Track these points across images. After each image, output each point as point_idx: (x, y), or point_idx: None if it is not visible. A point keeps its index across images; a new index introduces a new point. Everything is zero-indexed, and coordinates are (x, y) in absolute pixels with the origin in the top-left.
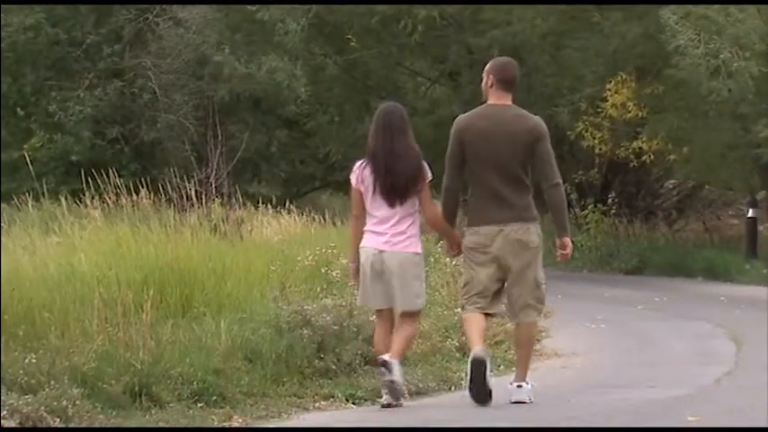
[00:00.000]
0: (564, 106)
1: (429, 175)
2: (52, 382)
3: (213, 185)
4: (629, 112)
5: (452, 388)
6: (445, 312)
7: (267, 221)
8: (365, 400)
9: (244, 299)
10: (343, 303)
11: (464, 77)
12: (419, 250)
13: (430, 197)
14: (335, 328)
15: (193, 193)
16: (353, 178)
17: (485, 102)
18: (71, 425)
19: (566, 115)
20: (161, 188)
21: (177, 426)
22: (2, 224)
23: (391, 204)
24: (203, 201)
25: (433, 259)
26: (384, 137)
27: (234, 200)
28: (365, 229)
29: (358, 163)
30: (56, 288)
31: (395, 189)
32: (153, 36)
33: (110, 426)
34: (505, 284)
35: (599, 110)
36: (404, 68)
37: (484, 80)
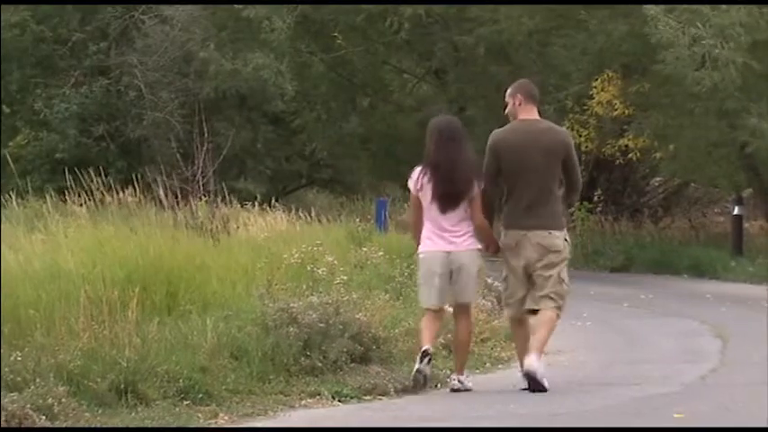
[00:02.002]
0: (550, 104)
1: (482, 183)
2: (38, 380)
3: (199, 183)
4: (616, 109)
5: (438, 385)
6: None
7: (253, 219)
8: (351, 397)
9: (229, 296)
10: (330, 301)
11: (450, 75)
12: (479, 246)
13: (480, 204)
14: (321, 325)
15: (179, 190)
16: (412, 185)
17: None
18: (57, 423)
19: (552, 113)
20: (147, 186)
21: (163, 423)
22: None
23: (449, 209)
24: (189, 198)
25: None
26: (447, 148)
27: (220, 197)
28: (426, 233)
29: (416, 170)
30: (41, 285)
31: (453, 196)
32: (139, 33)
33: (97, 425)
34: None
35: (585, 107)
36: (390, 66)
37: (510, 103)
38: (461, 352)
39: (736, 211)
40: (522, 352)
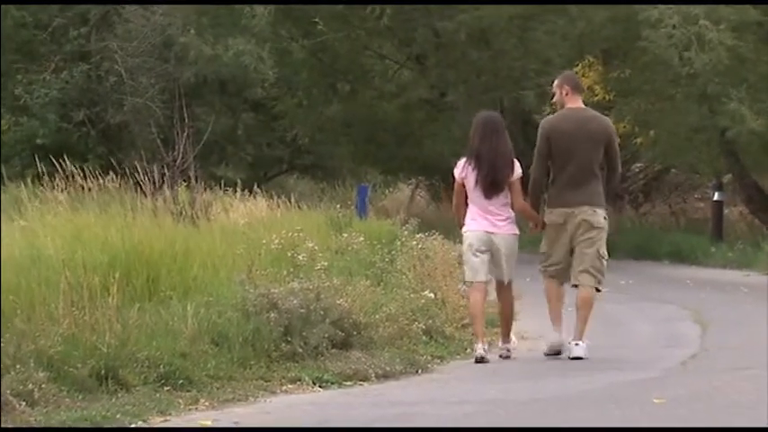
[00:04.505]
0: (531, 89)
1: (520, 172)
2: (18, 366)
3: (179, 169)
4: (596, 95)
5: (419, 371)
6: (412, 296)
7: (234, 205)
8: (332, 383)
9: (210, 282)
10: (310, 287)
11: (431, 61)
12: (517, 231)
13: (520, 189)
14: (302, 311)
15: (160, 176)
16: (457, 173)
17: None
18: (37, 408)
19: (532, 98)
20: (127, 172)
21: (143, 409)
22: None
23: (492, 194)
24: (170, 184)
25: (399, 243)
26: (490, 140)
27: (200, 183)
28: (469, 216)
29: (462, 160)
30: (21, 271)
31: (496, 183)
32: (119, 19)
33: (78, 411)
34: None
35: None
36: (371, 51)
37: (557, 93)
38: (505, 323)
39: (716, 196)
40: (556, 318)
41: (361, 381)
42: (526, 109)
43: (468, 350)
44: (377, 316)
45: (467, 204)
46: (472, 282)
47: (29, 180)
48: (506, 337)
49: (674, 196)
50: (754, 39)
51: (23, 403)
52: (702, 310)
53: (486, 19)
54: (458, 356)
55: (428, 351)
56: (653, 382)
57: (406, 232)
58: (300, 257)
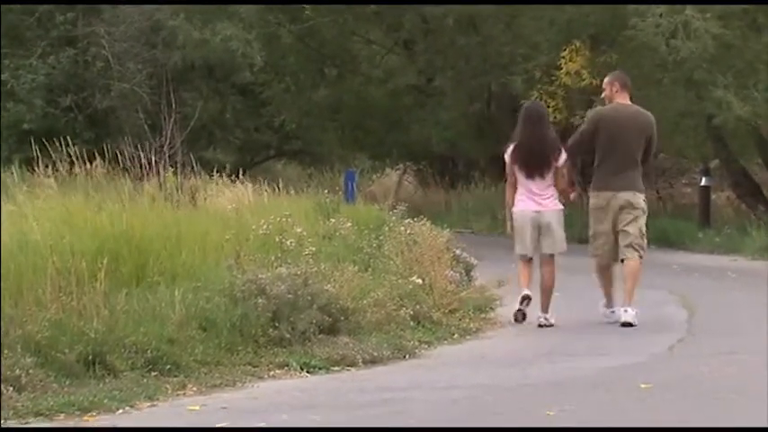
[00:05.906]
0: (518, 75)
1: (564, 157)
2: (6, 352)
3: (167, 153)
4: (584, 80)
5: (407, 356)
6: (399, 281)
7: (222, 190)
8: (319, 368)
9: (198, 268)
10: (298, 272)
11: (419, 46)
12: (561, 206)
13: (562, 174)
14: (290, 296)
15: (147, 161)
16: (508, 157)
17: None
18: (24, 394)
19: (520, 84)
20: (115, 157)
21: (131, 394)
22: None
23: (539, 176)
24: (157, 169)
25: (387, 228)
26: (533, 128)
27: (188, 168)
28: (518, 196)
29: (511, 145)
30: (9, 257)
31: (540, 166)
32: (107, 5)
33: (65, 396)
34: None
35: (553, 78)
36: (359, 37)
37: (608, 89)
38: (546, 294)
39: (703, 182)
40: (608, 292)
41: (348, 366)
42: (513, 93)
43: (456, 335)
44: (364, 301)
45: (516, 186)
46: (523, 255)
47: (16, 165)
48: (546, 308)
49: (662, 181)
50: (741, 26)
51: (11, 389)
52: (690, 295)
53: (474, 6)
54: (445, 342)
55: (416, 336)
56: (640, 366)
57: (393, 218)
58: (288, 243)
